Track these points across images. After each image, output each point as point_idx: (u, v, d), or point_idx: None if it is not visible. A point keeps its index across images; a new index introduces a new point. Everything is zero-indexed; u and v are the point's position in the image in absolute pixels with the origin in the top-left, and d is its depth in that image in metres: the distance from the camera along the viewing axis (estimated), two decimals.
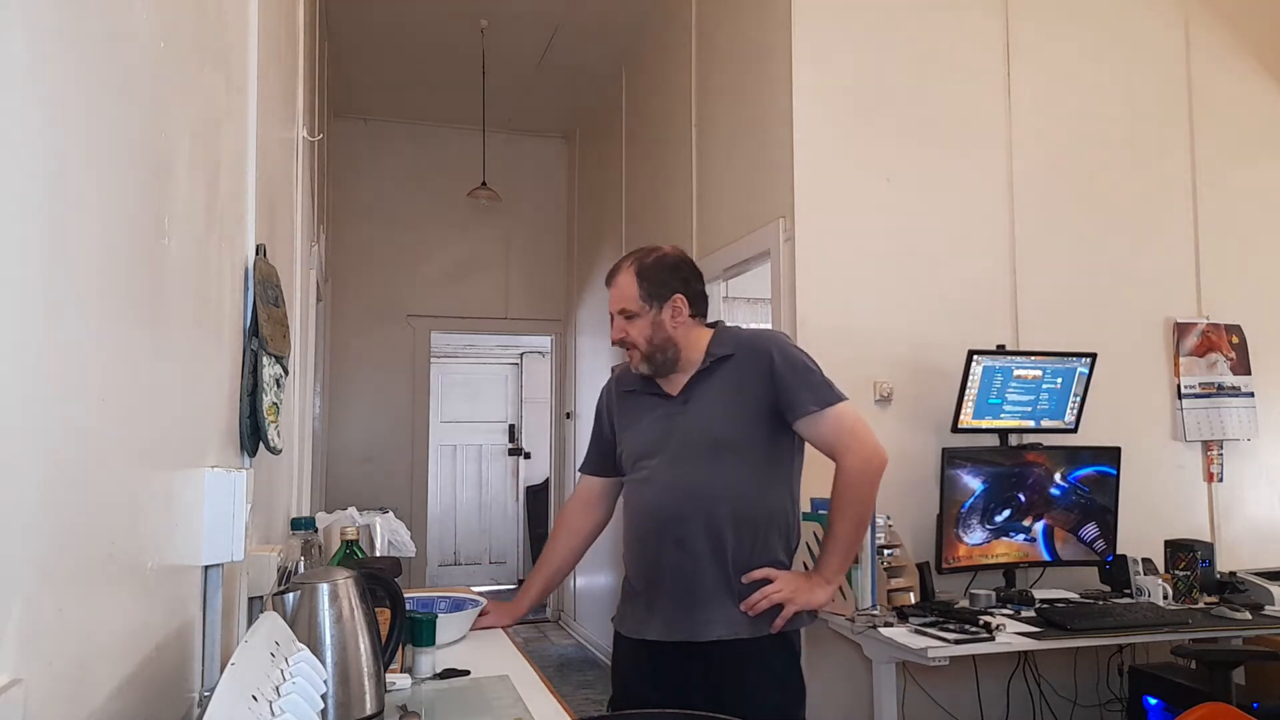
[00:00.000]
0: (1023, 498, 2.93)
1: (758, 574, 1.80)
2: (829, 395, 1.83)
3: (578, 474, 2.20)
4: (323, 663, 1.12)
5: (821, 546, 1.88)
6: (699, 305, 1.93)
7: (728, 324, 1.98)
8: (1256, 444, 3.43)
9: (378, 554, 2.34)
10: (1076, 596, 2.89)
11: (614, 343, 1.91)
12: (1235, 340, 3.42)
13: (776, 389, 1.83)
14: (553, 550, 2.12)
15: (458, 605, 2.10)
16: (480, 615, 2.00)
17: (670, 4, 4.30)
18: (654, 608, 1.86)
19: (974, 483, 2.88)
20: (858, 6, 3.13)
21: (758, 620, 1.79)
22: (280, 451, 1.43)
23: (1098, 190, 3.35)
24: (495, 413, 8.06)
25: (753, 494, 1.84)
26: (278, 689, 0.80)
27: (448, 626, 1.87)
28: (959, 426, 2.96)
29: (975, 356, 2.93)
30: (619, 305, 1.90)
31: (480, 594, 2.23)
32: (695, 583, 1.81)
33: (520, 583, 7.77)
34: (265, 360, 1.31)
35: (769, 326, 3.16)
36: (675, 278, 1.91)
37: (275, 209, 1.81)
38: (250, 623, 1.20)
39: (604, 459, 2.05)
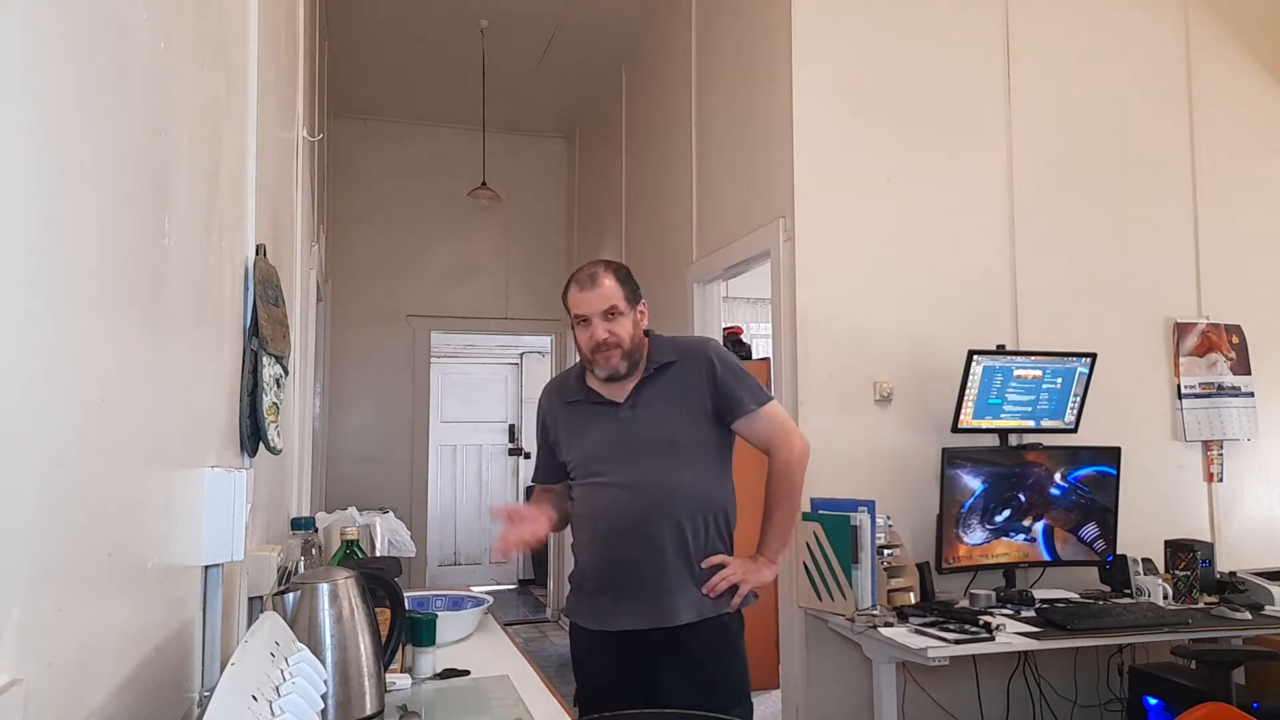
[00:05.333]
0: (1023, 498, 2.93)
1: (715, 560, 1.94)
2: (762, 394, 2.00)
3: (531, 486, 2.19)
4: (323, 663, 1.12)
5: (761, 532, 2.01)
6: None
7: (656, 333, 2.06)
8: (1256, 444, 3.43)
9: (378, 554, 2.34)
10: (1076, 596, 2.89)
11: (599, 343, 1.92)
12: (1235, 340, 3.42)
13: (720, 392, 1.97)
14: (545, 500, 2.09)
15: (456, 604, 2.11)
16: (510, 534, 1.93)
17: (670, 4, 4.30)
18: (620, 601, 1.93)
19: (974, 483, 2.88)
20: (858, 6, 3.13)
21: (717, 601, 1.93)
22: (280, 451, 1.43)
23: (1098, 190, 3.35)
24: (495, 413, 8.06)
25: (705, 489, 1.97)
26: (278, 689, 0.80)
27: (448, 625, 1.87)
28: (959, 426, 2.96)
29: (975, 356, 2.93)
30: (607, 303, 1.94)
31: (480, 594, 2.23)
32: (662, 574, 1.91)
33: (521, 583, 7.79)
34: (265, 360, 1.31)
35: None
36: (638, 286, 2.03)
37: (275, 209, 1.81)
38: (250, 623, 1.20)
39: (554, 469, 2.10)
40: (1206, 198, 3.47)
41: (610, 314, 1.93)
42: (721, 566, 1.93)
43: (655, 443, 1.94)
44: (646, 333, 2.05)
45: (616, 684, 1.94)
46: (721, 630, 1.93)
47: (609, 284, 1.95)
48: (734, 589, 1.93)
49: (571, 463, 2.04)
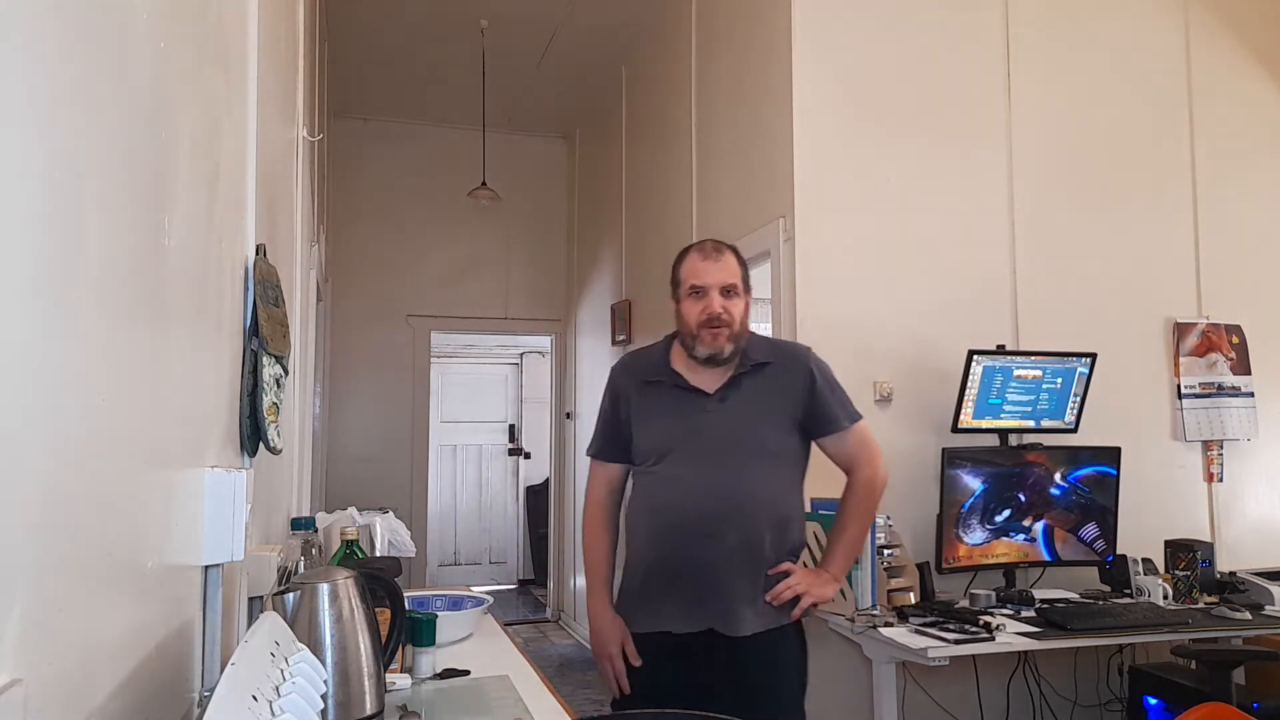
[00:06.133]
0: (1023, 498, 2.93)
1: (781, 568, 1.89)
2: (854, 411, 1.97)
3: (588, 459, 2.09)
4: (323, 663, 1.12)
5: (829, 547, 1.97)
6: None
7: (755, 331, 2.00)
8: (1256, 444, 3.43)
9: (378, 554, 2.34)
10: (1076, 596, 2.89)
11: (712, 317, 1.84)
12: (1235, 340, 3.42)
13: (816, 403, 1.91)
14: (605, 550, 2.02)
15: (456, 604, 2.11)
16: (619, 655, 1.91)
17: (670, 4, 4.30)
18: (677, 601, 1.86)
19: (974, 483, 2.88)
20: (858, 6, 3.13)
21: (779, 611, 1.88)
22: (280, 451, 1.43)
23: (1098, 190, 3.35)
24: (495, 413, 8.06)
25: (784, 496, 1.91)
26: (278, 689, 0.80)
27: (448, 625, 1.87)
28: (959, 426, 2.96)
29: (975, 356, 2.93)
30: (730, 278, 1.87)
31: (480, 594, 2.23)
32: (731, 578, 1.85)
33: (521, 583, 7.78)
34: (265, 360, 1.31)
35: (768, 327, 3.18)
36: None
37: (275, 209, 1.81)
38: (250, 623, 1.20)
39: (619, 447, 2.00)
40: (1206, 198, 3.47)
41: (729, 291, 1.87)
42: (786, 575, 1.88)
43: (741, 442, 1.86)
44: None
45: (665, 691, 1.84)
46: (784, 642, 1.88)
47: (732, 260, 1.89)
48: (795, 600, 1.88)
49: (641, 447, 1.94)
